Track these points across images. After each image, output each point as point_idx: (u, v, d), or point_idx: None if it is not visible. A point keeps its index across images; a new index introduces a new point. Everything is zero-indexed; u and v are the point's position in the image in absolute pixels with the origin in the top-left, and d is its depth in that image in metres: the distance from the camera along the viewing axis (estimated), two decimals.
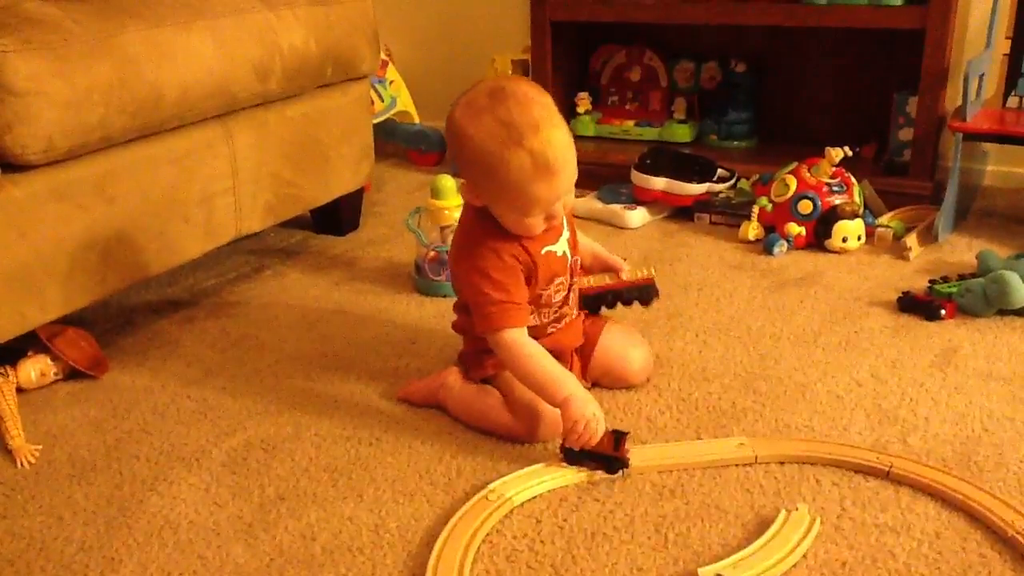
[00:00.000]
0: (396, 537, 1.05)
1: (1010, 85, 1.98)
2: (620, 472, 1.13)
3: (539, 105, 1.13)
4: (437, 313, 1.64)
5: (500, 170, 1.11)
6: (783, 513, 1.04)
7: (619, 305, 1.40)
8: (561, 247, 1.26)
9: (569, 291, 1.30)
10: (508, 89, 1.13)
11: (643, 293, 1.40)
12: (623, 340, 1.36)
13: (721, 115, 2.43)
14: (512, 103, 1.11)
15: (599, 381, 1.36)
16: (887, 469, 1.12)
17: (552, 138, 1.11)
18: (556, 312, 1.29)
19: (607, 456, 1.13)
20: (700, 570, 0.96)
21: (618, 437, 1.13)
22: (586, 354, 1.34)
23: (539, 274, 1.22)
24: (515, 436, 1.22)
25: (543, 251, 1.23)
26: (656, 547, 1.02)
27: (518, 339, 1.18)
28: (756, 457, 1.16)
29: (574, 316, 1.33)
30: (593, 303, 1.39)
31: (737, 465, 1.15)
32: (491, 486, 1.11)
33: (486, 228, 1.21)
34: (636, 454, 1.15)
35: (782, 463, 1.15)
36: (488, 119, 1.11)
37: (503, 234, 1.20)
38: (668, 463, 1.16)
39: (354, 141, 1.96)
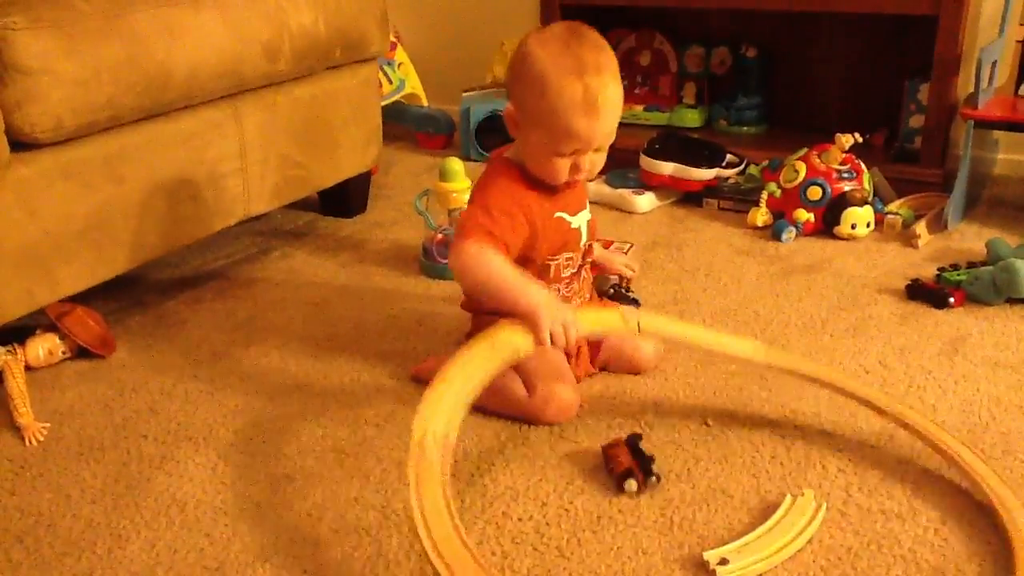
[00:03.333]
0: (402, 518, 1.05)
1: (1023, 73, 1.97)
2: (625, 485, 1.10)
3: (607, 56, 1.18)
4: (444, 296, 1.64)
5: (551, 93, 1.15)
6: (789, 498, 1.04)
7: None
8: (578, 221, 1.27)
9: (580, 270, 1.30)
10: (586, 30, 1.20)
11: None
12: None
13: (731, 100, 2.41)
14: (587, 43, 1.17)
15: (608, 366, 1.36)
16: (887, 409, 1.16)
17: (607, 85, 1.16)
18: (566, 288, 1.29)
19: (621, 472, 1.10)
20: (705, 554, 0.96)
21: (641, 463, 1.10)
22: (596, 340, 1.33)
23: (544, 235, 1.23)
24: (527, 414, 1.22)
25: (555, 214, 1.24)
26: (661, 531, 1.02)
27: (483, 249, 1.16)
28: (769, 365, 1.23)
29: (586, 301, 1.33)
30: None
31: (740, 367, 1.16)
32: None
33: (506, 176, 1.23)
34: (646, 320, 1.19)
35: (789, 376, 1.17)
36: (558, 46, 1.16)
37: (522, 185, 1.22)
38: (675, 332, 1.22)
39: (362, 123, 1.96)
